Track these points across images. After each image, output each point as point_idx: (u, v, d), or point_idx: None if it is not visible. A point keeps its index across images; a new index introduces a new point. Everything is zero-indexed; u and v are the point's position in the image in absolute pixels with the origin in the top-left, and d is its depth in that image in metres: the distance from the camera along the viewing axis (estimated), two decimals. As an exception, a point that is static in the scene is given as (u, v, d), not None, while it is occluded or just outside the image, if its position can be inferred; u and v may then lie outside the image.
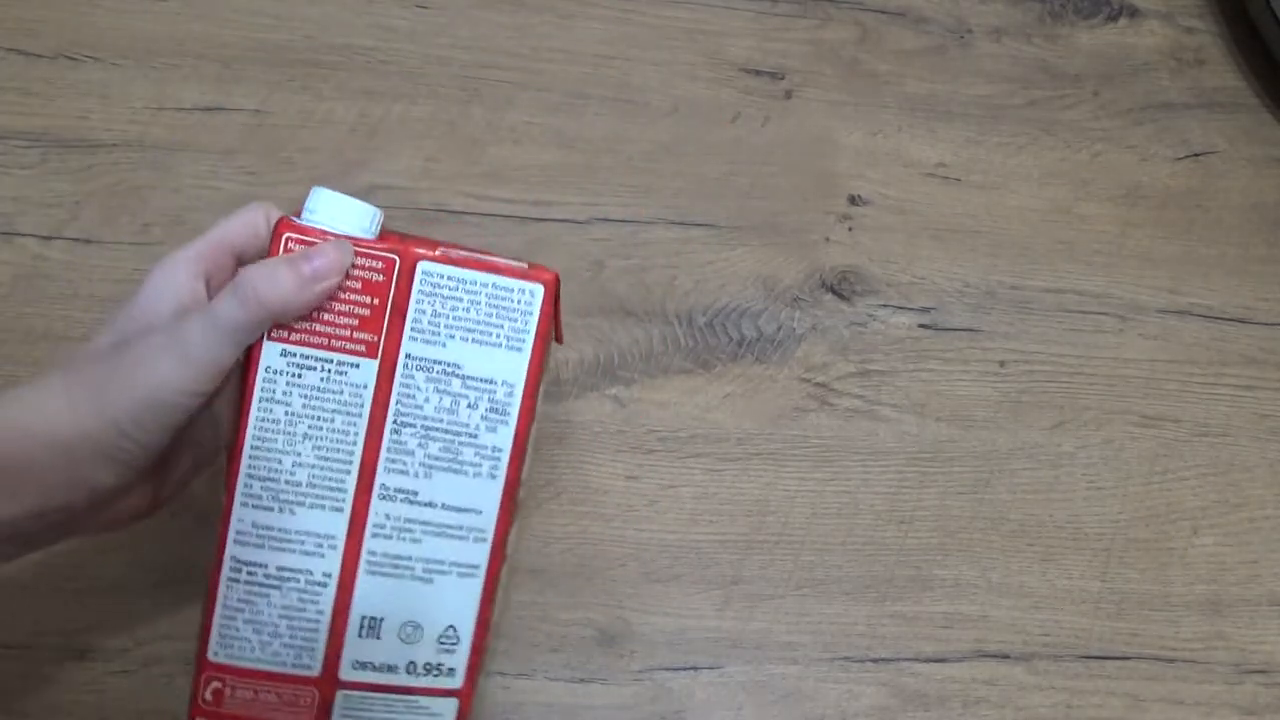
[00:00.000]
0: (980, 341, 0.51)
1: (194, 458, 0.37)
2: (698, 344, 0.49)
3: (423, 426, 0.36)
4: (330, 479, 0.36)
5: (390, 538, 0.36)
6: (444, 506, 0.36)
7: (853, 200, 0.53)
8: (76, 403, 0.32)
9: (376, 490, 0.36)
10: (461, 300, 0.36)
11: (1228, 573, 0.49)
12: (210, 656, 0.36)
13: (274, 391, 0.35)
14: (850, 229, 0.52)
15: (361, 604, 0.36)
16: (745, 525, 0.47)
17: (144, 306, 0.35)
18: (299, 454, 0.35)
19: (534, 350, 0.36)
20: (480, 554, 0.37)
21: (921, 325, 0.51)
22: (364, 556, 0.36)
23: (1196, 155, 0.56)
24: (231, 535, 0.35)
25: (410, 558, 0.36)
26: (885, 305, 0.51)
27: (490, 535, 0.37)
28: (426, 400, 0.36)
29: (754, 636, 0.45)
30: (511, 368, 0.36)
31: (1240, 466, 0.51)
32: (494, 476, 0.37)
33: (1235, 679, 0.48)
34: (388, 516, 0.36)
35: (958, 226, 0.53)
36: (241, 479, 0.35)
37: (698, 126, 0.53)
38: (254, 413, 0.35)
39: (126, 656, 0.42)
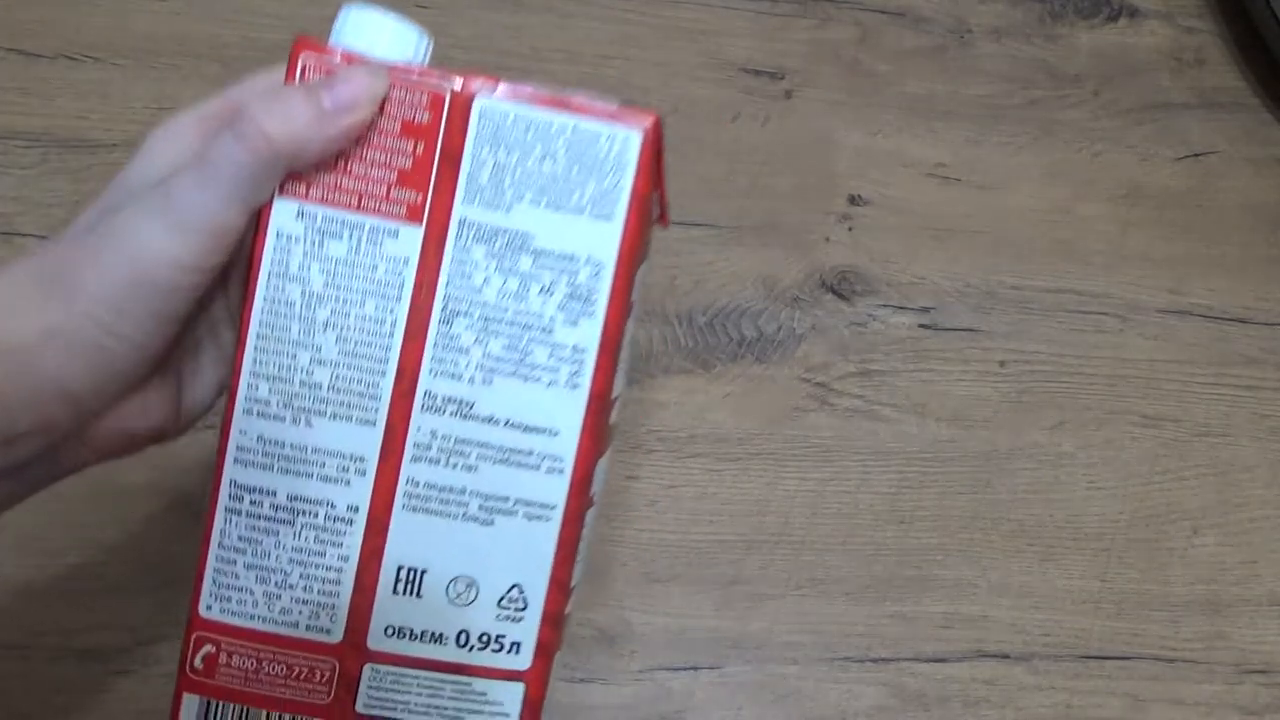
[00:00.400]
0: (980, 341, 0.51)
1: (217, 361, 0.30)
2: (698, 344, 0.49)
3: (481, 317, 0.28)
4: (359, 382, 0.28)
5: (437, 463, 0.29)
6: (509, 424, 0.28)
7: (853, 200, 0.53)
8: (47, 293, 0.26)
9: (419, 399, 0.28)
10: (533, 150, 0.28)
11: (1228, 573, 0.49)
12: (202, 611, 0.29)
13: (287, 265, 0.28)
14: (850, 229, 0.52)
15: (398, 550, 0.29)
16: (745, 525, 0.47)
17: (137, 174, 0.28)
18: (319, 348, 0.28)
19: (629, 218, 0.28)
20: (556, 490, 0.29)
21: (921, 325, 0.51)
22: (402, 487, 0.29)
23: (1196, 155, 0.56)
24: (231, 452, 0.28)
25: (463, 490, 0.29)
26: (885, 305, 0.51)
27: (569, 465, 0.29)
28: (486, 282, 0.28)
29: (754, 636, 0.45)
30: (599, 241, 0.28)
31: (1240, 466, 0.51)
32: (575, 386, 0.28)
33: (1235, 679, 0.48)
34: (434, 434, 0.28)
35: (958, 226, 0.53)
36: (245, 378, 0.28)
37: (698, 126, 0.53)
38: (261, 292, 0.28)
39: (126, 656, 0.42)
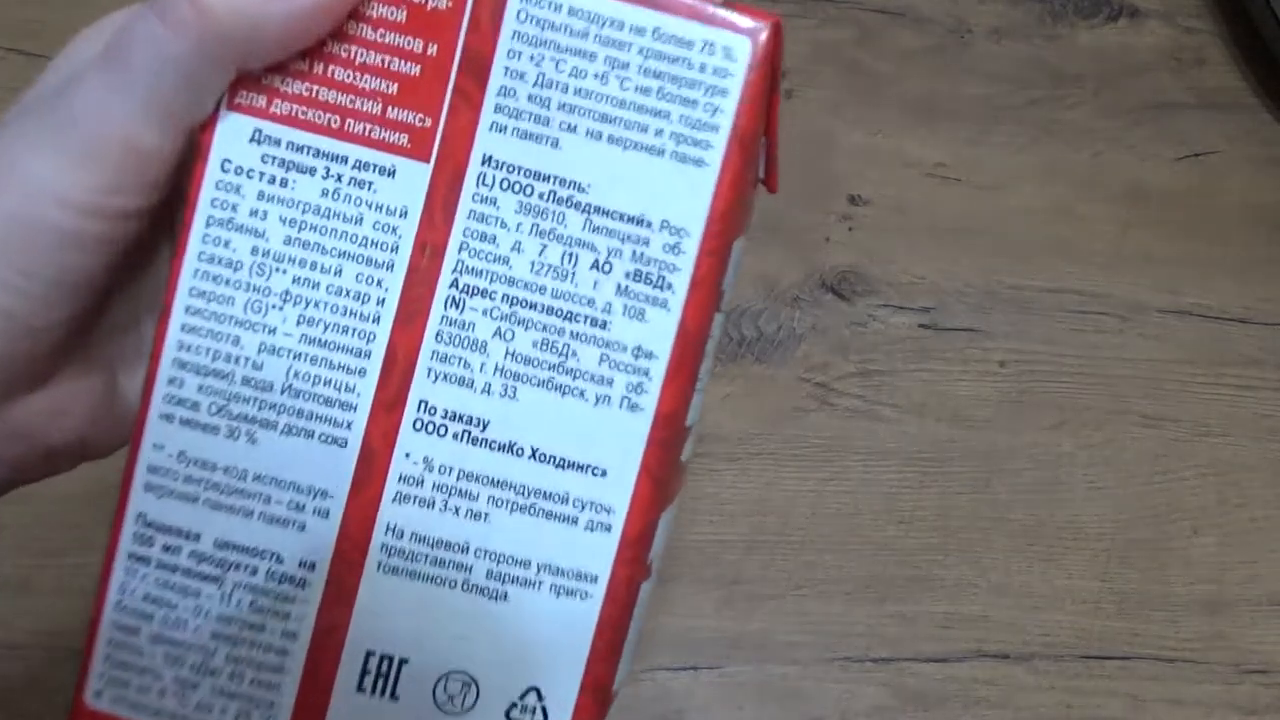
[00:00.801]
0: (980, 341, 0.51)
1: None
2: (698, 344, 0.49)
3: (507, 299, 0.20)
4: (327, 383, 0.20)
5: (431, 506, 0.21)
6: (537, 456, 0.21)
7: (853, 200, 0.53)
8: None
9: (411, 412, 0.20)
10: (594, 60, 0.20)
11: (1228, 573, 0.49)
12: (90, 699, 0.21)
13: (234, 209, 0.20)
14: (850, 229, 0.52)
15: (368, 628, 0.21)
16: (745, 525, 0.47)
17: (48, 86, 0.20)
18: (272, 330, 0.20)
19: (727, 164, 0.20)
20: (599, 553, 0.21)
21: (921, 325, 0.51)
22: (379, 537, 0.21)
23: (1196, 155, 0.56)
24: (140, 473, 0.21)
25: (466, 548, 0.21)
26: (885, 305, 0.51)
27: (619, 519, 0.21)
28: (517, 249, 0.20)
29: (754, 636, 0.45)
30: (682, 196, 0.20)
31: (1240, 466, 0.51)
32: (634, 407, 0.21)
33: (1235, 679, 0.48)
34: (429, 464, 0.21)
35: (958, 226, 0.53)
36: (165, 369, 0.20)
37: (698, 126, 0.53)
38: (196, 246, 0.20)
39: (126, 656, 0.42)
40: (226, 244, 0.20)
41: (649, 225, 0.20)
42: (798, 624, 0.46)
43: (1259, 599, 0.49)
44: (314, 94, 0.20)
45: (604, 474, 0.21)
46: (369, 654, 0.21)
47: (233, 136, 0.20)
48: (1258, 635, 0.48)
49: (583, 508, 0.21)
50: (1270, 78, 0.58)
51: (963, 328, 0.51)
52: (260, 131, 0.20)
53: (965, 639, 0.47)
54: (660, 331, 0.20)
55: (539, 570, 0.21)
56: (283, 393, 0.20)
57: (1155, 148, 0.56)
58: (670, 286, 0.20)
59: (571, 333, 0.20)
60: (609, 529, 0.21)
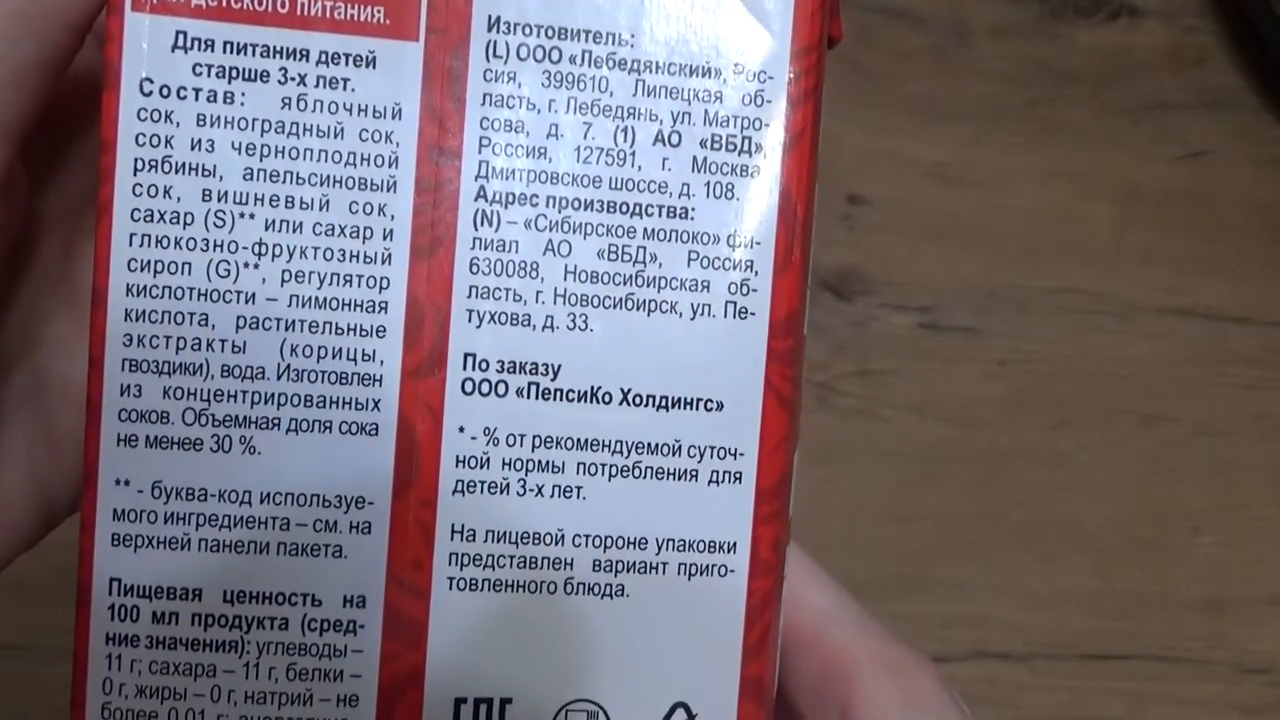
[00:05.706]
0: (980, 341, 0.51)
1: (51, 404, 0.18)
2: (698, 344, 0.49)
3: (552, 201, 0.16)
4: (336, 353, 0.16)
5: (504, 491, 0.16)
6: (630, 400, 0.16)
7: (852, 200, 0.53)
8: None
9: (456, 370, 0.16)
10: None
11: (1228, 573, 0.49)
12: None
13: (168, 145, 0.15)
14: (850, 229, 0.52)
15: (451, 670, 0.16)
16: (745, 525, 0.47)
17: None
18: (251, 296, 0.15)
19: None
20: (733, 511, 0.18)
21: (921, 325, 0.51)
22: (443, 544, 0.16)
23: (1196, 155, 0.56)
24: (103, 524, 0.16)
25: (560, 537, 0.16)
26: (885, 305, 0.51)
27: (749, 463, 0.18)
28: (554, 134, 0.15)
29: (754, 636, 0.45)
30: (756, 28, 0.16)
31: (1240, 466, 0.51)
32: (744, 313, 0.16)
33: (1235, 679, 0.48)
34: (491, 436, 0.16)
35: (958, 226, 0.53)
36: (111, 375, 0.15)
37: (698, 126, 0.53)
38: (124, 203, 0.15)
39: (126, 656, 0.42)
40: (167, 192, 0.15)
41: (718, 74, 0.16)
42: (798, 624, 0.46)
43: (1259, 599, 0.49)
44: None
45: (720, 407, 0.17)
46: (459, 703, 0.15)
47: (147, 47, 0.15)
48: (1258, 635, 0.48)
49: (700, 456, 0.17)
50: (1270, 78, 0.58)
51: (962, 327, 0.51)
52: (184, 34, 0.15)
53: (965, 639, 0.47)
54: (758, 209, 0.16)
55: (660, 548, 0.16)
56: (280, 377, 0.15)
57: (1155, 148, 0.56)
58: (759, 148, 0.16)
59: (645, 231, 0.16)
60: (739, 478, 0.17)
